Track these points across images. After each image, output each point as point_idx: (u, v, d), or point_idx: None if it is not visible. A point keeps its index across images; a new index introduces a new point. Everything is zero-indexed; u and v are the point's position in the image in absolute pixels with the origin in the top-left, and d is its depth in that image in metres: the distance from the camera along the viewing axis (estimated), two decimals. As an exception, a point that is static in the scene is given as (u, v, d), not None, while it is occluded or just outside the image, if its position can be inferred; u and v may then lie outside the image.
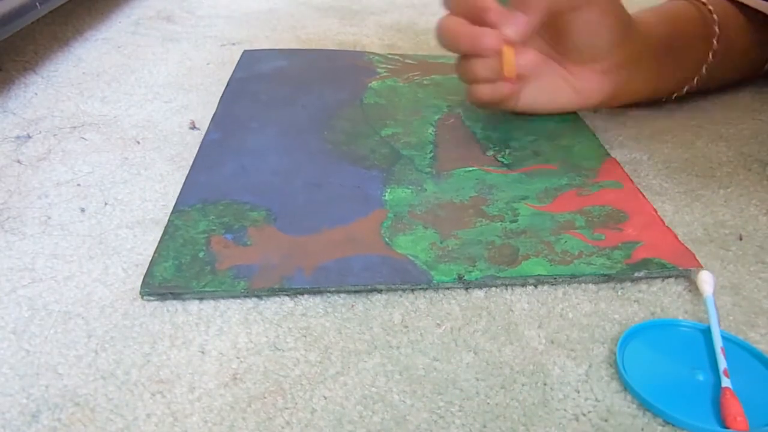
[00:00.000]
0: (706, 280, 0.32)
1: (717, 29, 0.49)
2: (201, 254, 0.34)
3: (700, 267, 0.33)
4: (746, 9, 0.51)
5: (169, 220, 0.36)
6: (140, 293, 0.32)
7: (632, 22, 0.45)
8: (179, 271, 0.33)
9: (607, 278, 0.33)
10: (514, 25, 0.40)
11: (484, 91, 0.44)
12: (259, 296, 0.32)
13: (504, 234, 0.36)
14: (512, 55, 0.41)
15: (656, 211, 0.38)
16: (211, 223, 0.36)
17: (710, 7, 0.49)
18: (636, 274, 0.33)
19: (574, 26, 0.43)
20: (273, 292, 0.32)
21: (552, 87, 0.46)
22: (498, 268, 0.33)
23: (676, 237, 0.35)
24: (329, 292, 0.32)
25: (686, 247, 0.35)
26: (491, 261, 0.34)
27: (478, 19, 0.42)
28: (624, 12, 0.44)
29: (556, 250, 0.34)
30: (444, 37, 0.43)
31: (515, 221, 0.37)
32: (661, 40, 0.47)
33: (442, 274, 0.33)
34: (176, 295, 0.32)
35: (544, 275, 0.33)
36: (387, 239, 0.35)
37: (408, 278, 0.32)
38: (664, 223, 0.37)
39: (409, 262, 0.33)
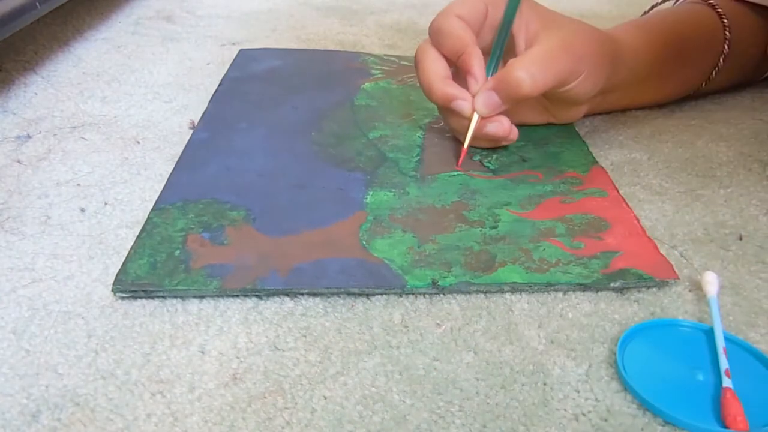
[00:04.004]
0: (710, 281, 0.32)
1: (728, 33, 0.49)
2: (177, 252, 0.34)
3: (677, 278, 0.33)
4: (754, 8, 0.51)
5: (148, 218, 0.36)
6: (112, 290, 0.32)
7: (619, 58, 0.44)
8: (153, 269, 0.32)
9: (583, 287, 0.33)
10: (487, 106, 0.40)
11: (457, 136, 0.44)
12: (258, 295, 0.32)
13: (483, 240, 0.35)
14: (474, 125, 0.41)
15: (638, 220, 0.37)
16: (189, 222, 0.36)
17: (720, 10, 0.49)
18: (612, 284, 0.33)
19: (556, 95, 0.42)
20: (245, 293, 0.32)
21: (532, 114, 0.47)
22: (473, 274, 0.33)
23: (656, 247, 0.35)
24: (302, 293, 0.32)
25: (665, 258, 0.34)
26: (467, 267, 0.33)
27: (458, 66, 0.41)
28: (607, 53, 0.42)
29: (533, 257, 0.34)
30: (420, 79, 0.42)
31: (495, 227, 0.36)
32: (647, 64, 0.47)
33: (416, 279, 0.32)
34: (148, 293, 0.32)
35: (519, 283, 0.32)
36: (364, 242, 0.35)
37: (382, 282, 0.32)
38: (645, 232, 0.36)
39: (384, 265, 0.33)
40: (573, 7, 0.80)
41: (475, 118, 0.41)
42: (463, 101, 0.40)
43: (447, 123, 0.44)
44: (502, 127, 0.41)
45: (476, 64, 0.40)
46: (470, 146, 0.44)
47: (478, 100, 0.40)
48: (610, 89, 0.45)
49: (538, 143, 0.45)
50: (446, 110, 0.42)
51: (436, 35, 0.41)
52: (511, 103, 0.40)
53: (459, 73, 0.42)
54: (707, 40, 0.49)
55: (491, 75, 0.41)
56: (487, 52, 0.42)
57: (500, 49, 0.41)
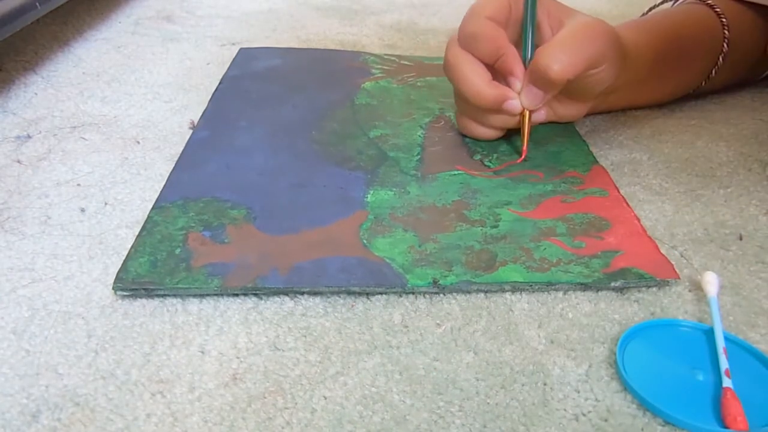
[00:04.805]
0: (710, 281, 0.32)
1: (727, 32, 0.49)
2: (177, 251, 0.34)
3: (677, 278, 0.33)
4: (752, 7, 0.51)
5: (148, 216, 0.36)
6: (113, 288, 0.32)
7: (626, 56, 0.44)
8: (154, 267, 0.32)
9: (583, 287, 0.33)
10: (531, 101, 0.41)
11: (490, 135, 0.45)
12: (258, 295, 0.32)
13: (483, 239, 0.35)
14: (528, 121, 0.42)
15: (639, 220, 0.37)
16: (190, 220, 0.36)
17: (718, 9, 0.49)
18: (613, 284, 0.33)
19: (576, 84, 0.42)
20: (245, 291, 0.32)
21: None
22: (474, 273, 0.33)
23: (656, 247, 0.35)
24: (305, 292, 0.32)
25: (666, 258, 0.34)
26: (468, 266, 0.33)
27: (497, 69, 0.42)
28: (621, 51, 0.43)
29: (534, 257, 0.34)
30: (462, 85, 0.42)
31: (496, 226, 0.36)
32: (648, 64, 0.47)
33: (417, 277, 0.32)
34: (149, 291, 0.32)
35: (520, 282, 0.32)
36: (365, 241, 0.35)
37: (382, 281, 0.32)
38: (645, 232, 0.36)
39: (385, 264, 0.33)
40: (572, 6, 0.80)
41: (527, 114, 0.42)
42: (513, 101, 0.41)
43: (484, 122, 0.44)
44: (543, 114, 0.43)
45: (516, 64, 0.41)
46: (473, 144, 0.44)
47: (523, 98, 0.41)
48: (612, 89, 0.45)
49: (538, 143, 0.45)
50: (491, 110, 0.43)
51: (469, 39, 0.41)
52: (552, 91, 0.41)
53: (496, 73, 0.42)
54: (706, 39, 0.49)
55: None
56: (516, 47, 0.42)
57: (531, 42, 0.42)
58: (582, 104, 0.46)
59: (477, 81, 0.41)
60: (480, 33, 0.41)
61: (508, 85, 0.42)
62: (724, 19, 0.49)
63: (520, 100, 0.41)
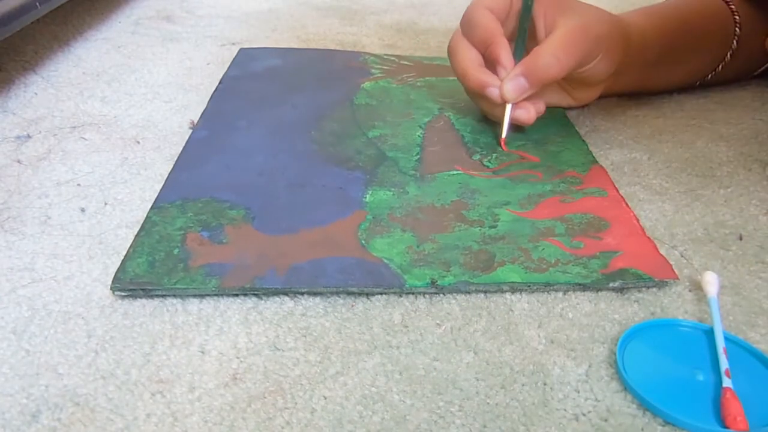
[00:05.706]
0: (710, 281, 0.32)
1: (738, 30, 0.50)
2: (176, 251, 0.34)
3: (676, 278, 0.33)
4: (761, 8, 0.52)
5: (147, 217, 0.36)
6: (111, 288, 0.32)
7: (630, 42, 0.46)
8: (152, 268, 0.32)
9: (582, 287, 0.33)
10: (515, 91, 0.42)
11: (494, 113, 0.46)
12: (258, 295, 0.32)
13: (482, 239, 0.35)
14: (509, 113, 0.44)
15: (638, 220, 0.37)
16: (188, 220, 0.36)
17: (732, 6, 0.50)
18: (611, 284, 0.33)
19: (574, 76, 0.44)
20: (244, 292, 0.32)
21: (554, 98, 0.49)
22: (472, 273, 0.33)
23: (655, 247, 0.35)
24: (304, 292, 0.32)
25: (664, 258, 0.34)
26: (466, 266, 0.33)
27: (486, 56, 0.44)
28: (620, 35, 0.44)
29: (532, 257, 0.34)
30: (455, 67, 0.45)
31: (494, 227, 0.36)
32: (657, 48, 0.48)
33: (415, 278, 0.32)
34: (147, 291, 0.32)
35: (518, 282, 0.32)
36: (363, 241, 0.35)
37: (381, 281, 0.32)
38: (644, 232, 0.36)
39: (383, 265, 0.33)
40: None
41: (509, 106, 0.43)
42: (494, 88, 0.43)
43: (477, 105, 0.48)
44: (528, 114, 0.44)
45: (503, 53, 0.43)
46: (472, 144, 0.44)
47: (507, 86, 0.42)
48: (621, 70, 0.46)
49: (537, 142, 0.45)
50: (478, 96, 0.45)
51: (466, 26, 0.44)
52: (539, 87, 0.42)
53: (489, 62, 0.44)
54: (715, 31, 0.51)
55: (517, 62, 0.43)
56: (511, 40, 0.44)
57: (523, 37, 0.44)
58: (593, 88, 0.48)
59: (467, 63, 0.44)
60: (475, 20, 0.43)
61: (496, 73, 0.43)
62: (737, 17, 0.50)
63: (502, 88, 0.42)
